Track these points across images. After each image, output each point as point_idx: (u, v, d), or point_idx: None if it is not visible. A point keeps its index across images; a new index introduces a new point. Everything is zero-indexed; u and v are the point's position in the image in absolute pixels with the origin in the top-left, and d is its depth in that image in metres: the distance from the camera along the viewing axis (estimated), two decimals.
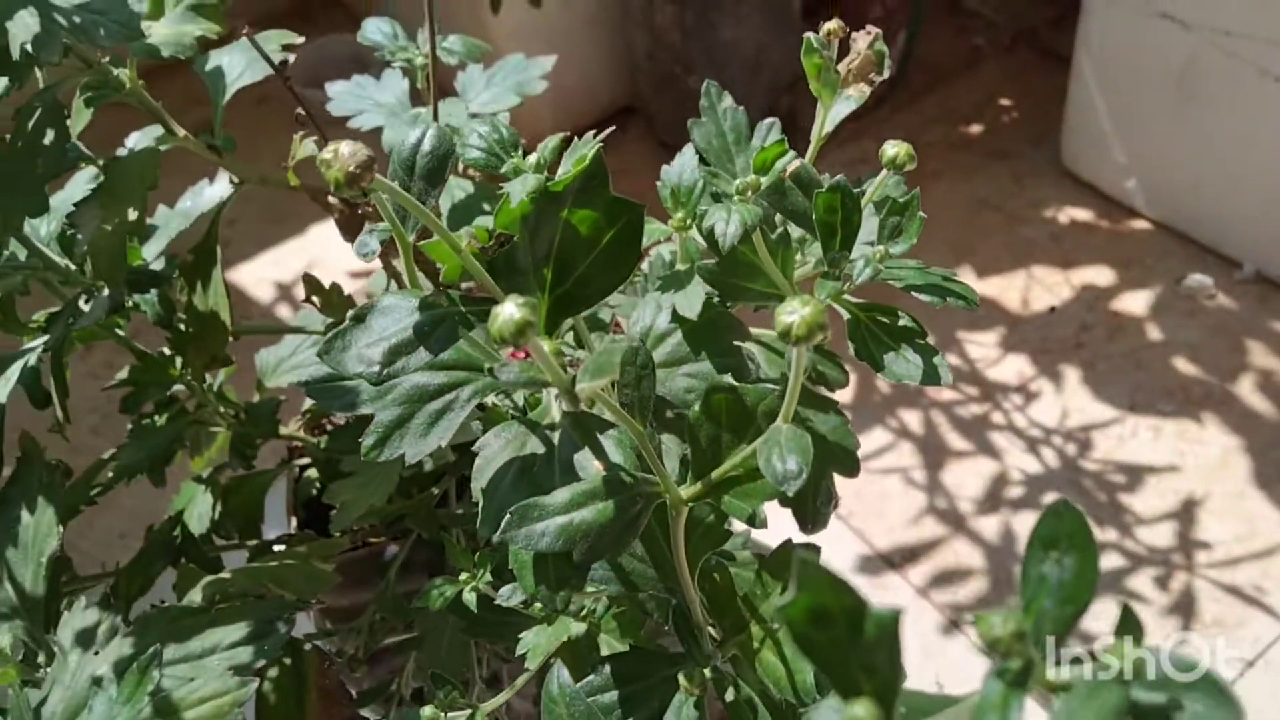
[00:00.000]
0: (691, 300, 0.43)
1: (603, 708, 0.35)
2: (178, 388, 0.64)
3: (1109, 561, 0.99)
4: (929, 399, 1.10)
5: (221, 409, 0.65)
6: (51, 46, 0.43)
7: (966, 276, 1.12)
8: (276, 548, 0.62)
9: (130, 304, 0.57)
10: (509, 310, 0.24)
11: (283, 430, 0.69)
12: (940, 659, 0.92)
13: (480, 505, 0.36)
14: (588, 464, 0.36)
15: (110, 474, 0.58)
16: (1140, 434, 1.06)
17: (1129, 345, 1.14)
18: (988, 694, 0.19)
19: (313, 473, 0.73)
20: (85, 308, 0.55)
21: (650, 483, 0.34)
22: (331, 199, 0.53)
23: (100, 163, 0.49)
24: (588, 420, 0.37)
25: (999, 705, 0.18)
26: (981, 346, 1.14)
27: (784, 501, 0.47)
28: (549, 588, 0.33)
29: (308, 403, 0.78)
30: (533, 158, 0.35)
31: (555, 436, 0.37)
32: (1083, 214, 1.27)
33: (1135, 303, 1.18)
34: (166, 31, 0.45)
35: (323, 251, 1.35)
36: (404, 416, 0.40)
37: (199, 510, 0.62)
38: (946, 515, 1.02)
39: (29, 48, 0.43)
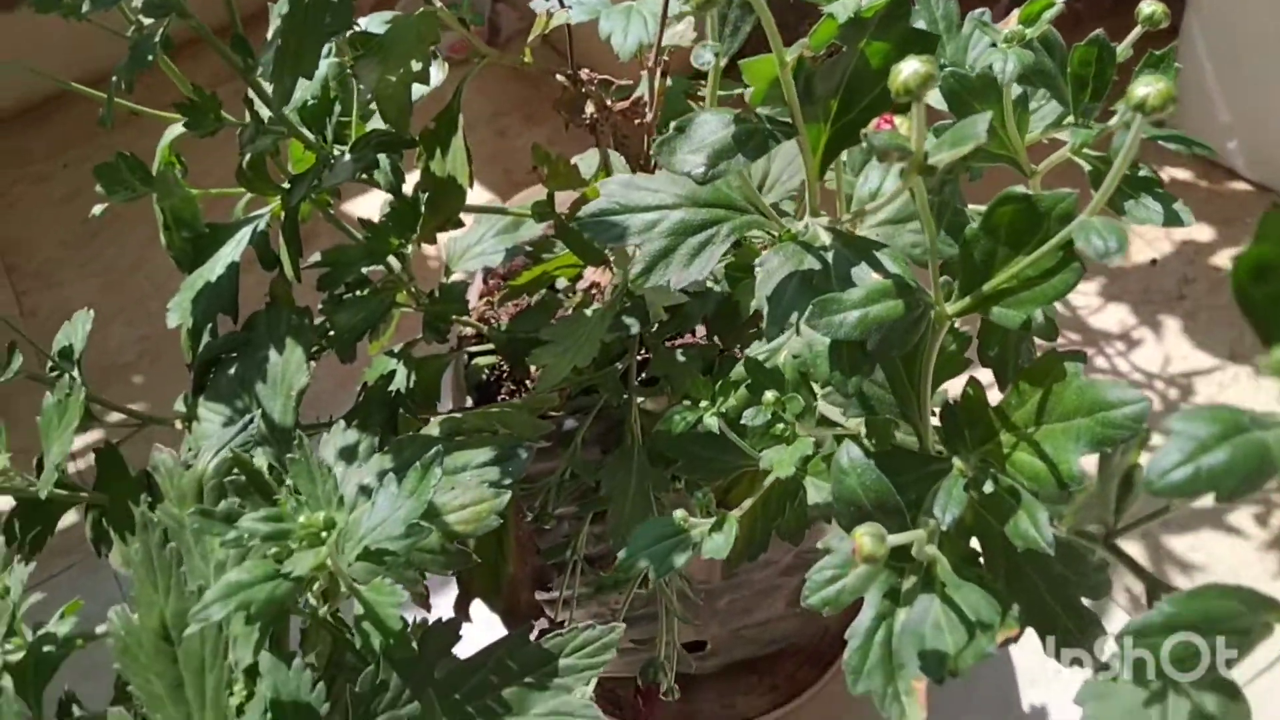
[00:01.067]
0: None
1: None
2: (372, 270, 0.68)
3: (1210, 498, 1.01)
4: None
5: (414, 289, 0.70)
6: None
7: None
8: None
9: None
10: (912, 65, 0.28)
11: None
12: None
13: (765, 311, 0.40)
14: (864, 276, 0.40)
15: (331, 334, 0.63)
16: (1241, 380, 1.09)
17: (1230, 298, 1.16)
18: None
19: (481, 360, 0.78)
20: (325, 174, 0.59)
21: (926, 292, 0.38)
22: (559, 76, 0.57)
23: (361, 27, 0.53)
24: (857, 241, 0.41)
25: None
26: (1084, 295, 1.17)
27: (984, 361, 0.51)
28: (843, 373, 0.37)
29: (474, 295, 0.83)
30: None
31: (829, 256, 0.41)
32: (1182, 173, 1.29)
33: None
34: None
35: None
36: (669, 248, 0.44)
37: (399, 378, 0.67)
38: None
39: None
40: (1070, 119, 0.43)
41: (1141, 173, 0.42)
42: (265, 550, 0.38)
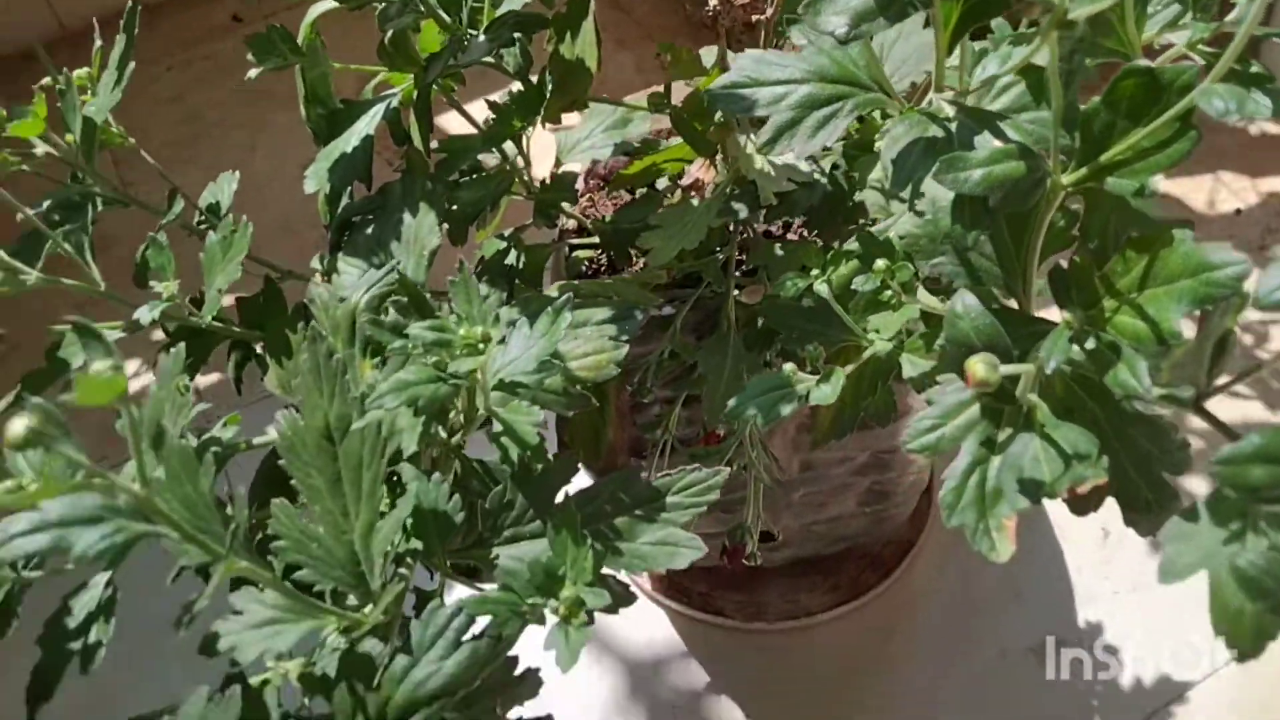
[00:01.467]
0: (1044, 51, 0.49)
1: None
2: (483, 158, 0.72)
3: None
4: None
5: (527, 176, 0.73)
6: None
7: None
8: None
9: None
10: None
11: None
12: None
13: (890, 173, 0.44)
14: (986, 144, 0.43)
15: (454, 208, 0.67)
16: None
17: None
18: None
19: (581, 253, 0.82)
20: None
21: (1045, 159, 0.41)
22: None
23: None
24: (979, 113, 0.44)
25: None
26: None
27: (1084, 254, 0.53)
28: (964, 227, 0.41)
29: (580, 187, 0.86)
30: None
31: (952, 126, 0.44)
32: (1274, 128, 1.29)
33: None
34: None
35: None
36: (795, 119, 0.47)
37: (511, 257, 0.71)
38: None
39: None
40: (1188, 18, 0.46)
41: (1254, 69, 0.44)
42: (426, 359, 0.43)
